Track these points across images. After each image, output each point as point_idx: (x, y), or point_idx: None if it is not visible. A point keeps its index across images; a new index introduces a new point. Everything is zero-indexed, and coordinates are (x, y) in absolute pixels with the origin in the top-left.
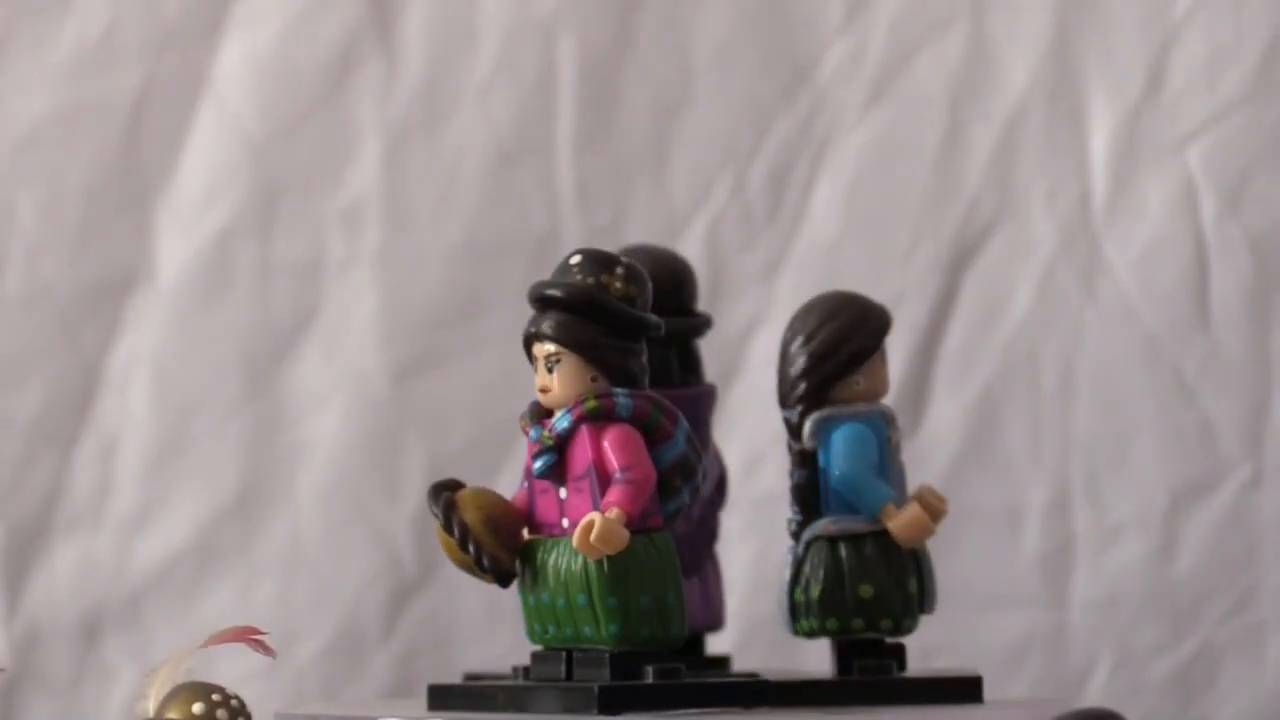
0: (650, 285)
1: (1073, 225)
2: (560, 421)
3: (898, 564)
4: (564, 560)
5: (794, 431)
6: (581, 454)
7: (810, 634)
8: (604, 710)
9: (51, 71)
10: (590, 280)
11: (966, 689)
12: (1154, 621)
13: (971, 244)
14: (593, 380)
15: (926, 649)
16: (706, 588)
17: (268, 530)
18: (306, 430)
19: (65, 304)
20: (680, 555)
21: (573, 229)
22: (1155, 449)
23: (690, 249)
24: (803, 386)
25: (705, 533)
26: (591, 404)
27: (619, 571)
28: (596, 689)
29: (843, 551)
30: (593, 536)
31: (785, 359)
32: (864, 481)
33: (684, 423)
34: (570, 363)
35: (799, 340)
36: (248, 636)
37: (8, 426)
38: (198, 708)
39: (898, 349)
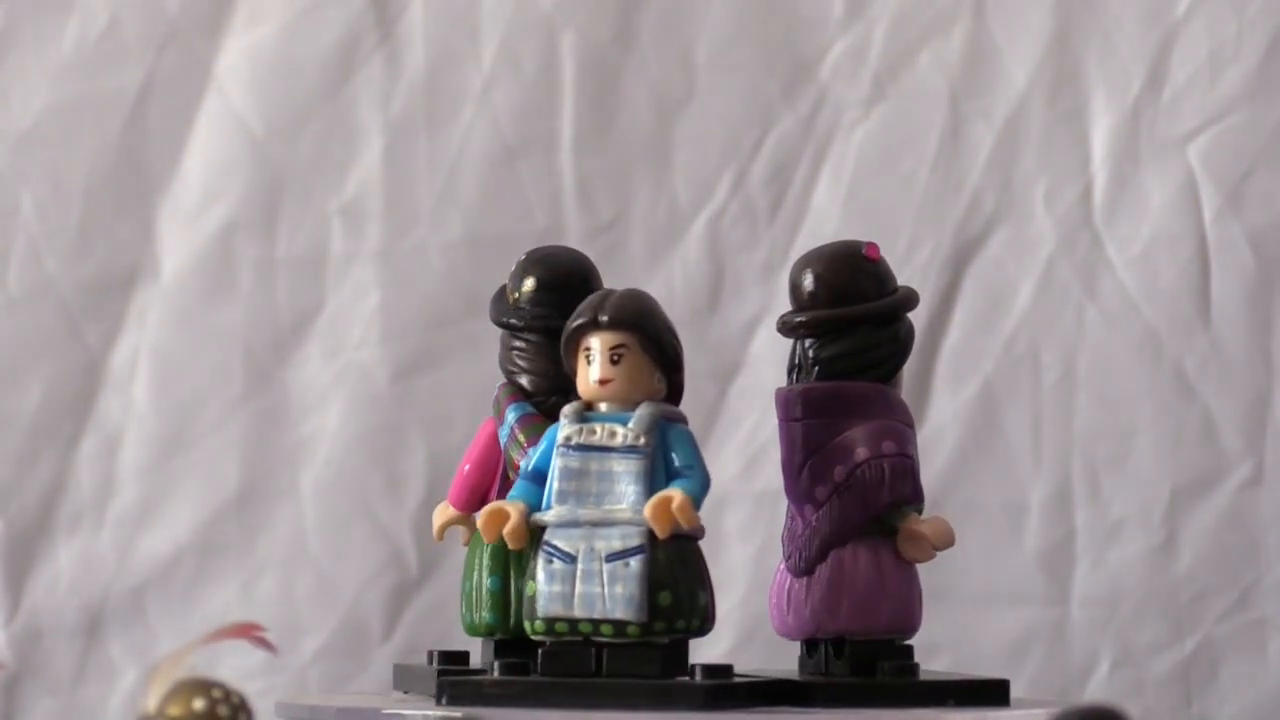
0: (511, 284)
1: (1073, 222)
2: None
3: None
4: None
5: None
6: None
7: None
8: None
9: (54, 67)
10: None
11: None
12: (1155, 618)
13: (972, 241)
14: None
15: (927, 647)
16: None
17: (269, 526)
18: (308, 427)
19: (67, 300)
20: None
21: (574, 226)
22: (1156, 446)
23: (691, 246)
24: None
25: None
26: None
27: None
28: None
29: None
30: None
31: None
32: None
33: (505, 418)
34: None
35: None
36: (249, 633)
37: (10, 423)
38: (199, 704)
39: None
